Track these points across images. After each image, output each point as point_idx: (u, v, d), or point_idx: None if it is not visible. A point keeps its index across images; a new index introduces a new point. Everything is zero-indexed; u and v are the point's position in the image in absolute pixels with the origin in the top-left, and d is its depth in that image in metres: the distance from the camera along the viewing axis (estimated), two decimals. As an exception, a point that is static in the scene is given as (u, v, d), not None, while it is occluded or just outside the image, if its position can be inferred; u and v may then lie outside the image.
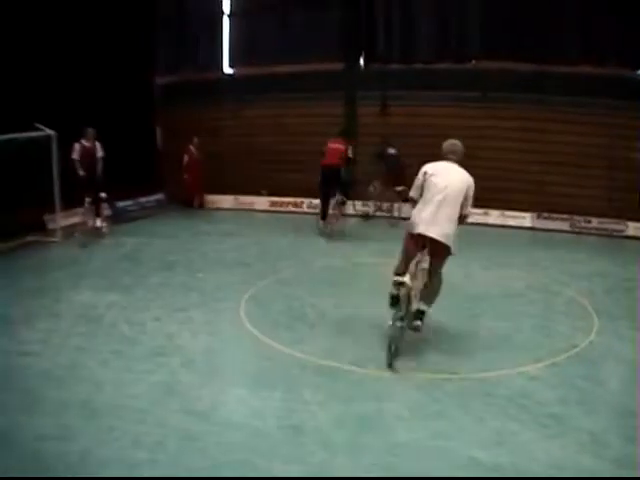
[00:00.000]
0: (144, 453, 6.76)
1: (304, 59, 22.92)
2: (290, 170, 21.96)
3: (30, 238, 16.89)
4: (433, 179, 9.45)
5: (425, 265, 9.26)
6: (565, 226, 20.62)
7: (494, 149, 20.37)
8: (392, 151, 20.92)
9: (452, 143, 9.90)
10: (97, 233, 17.39)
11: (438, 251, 9.24)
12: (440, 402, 8.11)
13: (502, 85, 20.99)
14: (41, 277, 13.73)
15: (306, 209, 23.26)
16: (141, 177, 21.85)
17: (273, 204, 23.75)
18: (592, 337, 10.55)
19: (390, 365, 8.93)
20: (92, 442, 6.98)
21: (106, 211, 18.89)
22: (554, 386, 8.65)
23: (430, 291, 9.55)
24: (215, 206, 23.74)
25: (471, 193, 9.55)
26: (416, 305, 9.42)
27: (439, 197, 9.29)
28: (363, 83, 23.11)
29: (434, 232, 9.13)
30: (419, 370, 8.99)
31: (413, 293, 9.20)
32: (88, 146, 17.13)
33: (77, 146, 17.04)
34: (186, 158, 23.37)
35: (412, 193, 9.71)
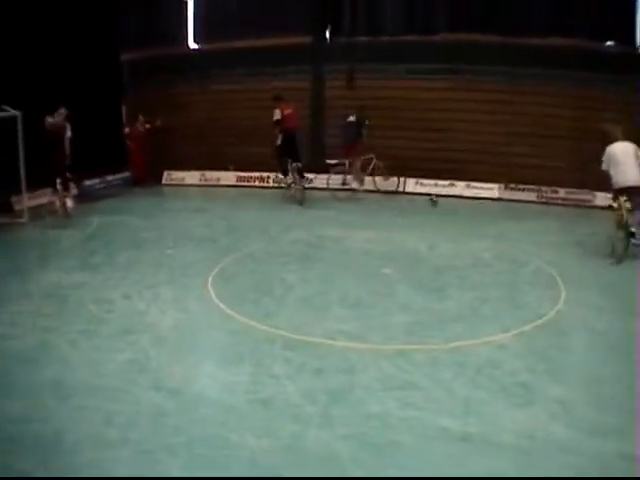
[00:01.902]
0: (117, 431, 6.75)
1: (270, 33, 22.67)
2: (256, 145, 21.88)
3: (-1, 220, 16.71)
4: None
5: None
6: (532, 197, 20.76)
7: (461, 121, 20.43)
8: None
9: None
10: (65, 213, 17.09)
11: None
12: (410, 373, 8.15)
13: (470, 58, 20.98)
14: (9, 259, 13.64)
15: (272, 184, 23.29)
16: (108, 155, 21.69)
17: (240, 179, 23.66)
18: (560, 306, 10.64)
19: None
20: (65, 423, 6.96)
21: (73, 190, 18.71)
22: (523, 355, 8.72)
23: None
24: (182, 182, 23.60)
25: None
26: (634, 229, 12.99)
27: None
28: (329, 56, 23.04)
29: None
30: (388, 342, 9.03)
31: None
32: (58, 125, 16.79)
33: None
34: (127, 130, 23.56)
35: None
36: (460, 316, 10.23)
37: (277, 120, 19.11)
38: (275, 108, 19.26)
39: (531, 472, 6.05)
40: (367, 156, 20.55)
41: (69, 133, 17.05)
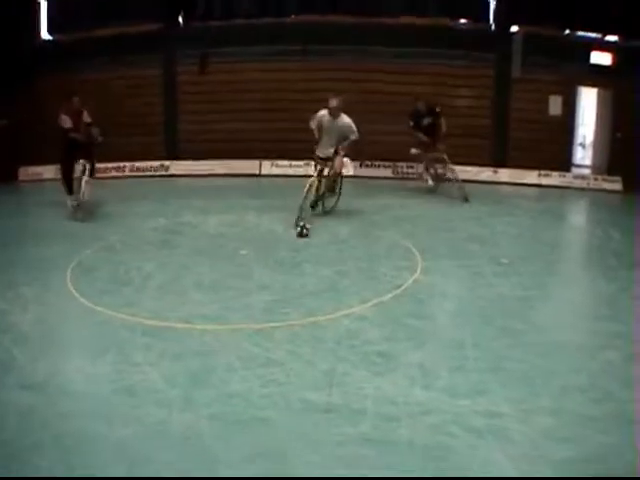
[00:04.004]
0: (-18, 434, 6.70)
1: (125, 21, 22.28)
2: (113, 135, 21.58)
3: None
4: None
5: None
6: (388, 173, 21.19)
7: (316, 101, 20.55)
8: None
9: None
10: None
11: None
12: (270, 350, 8.29)
13: (323, 38, 21.18)
14: None
15: (128, 172, 23.12)
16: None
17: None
18: (417, 276, 10.99)
19: None
20: None
21: None
22: (381, 325, 8.99)
23: None
24: (38, 177, 23.05)
25: None
26: None
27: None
28: (183, 42, 22.73)
29: None
30: (247, 321, 9.18)
31: None
32: None
33: None
34: None
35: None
36: (317, 291, 10.46)
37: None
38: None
39: (393, 436, 6.27)
40: None
41: None
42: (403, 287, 10.46)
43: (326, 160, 15.09)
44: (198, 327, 9.15)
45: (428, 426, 6.42)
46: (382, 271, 11.36)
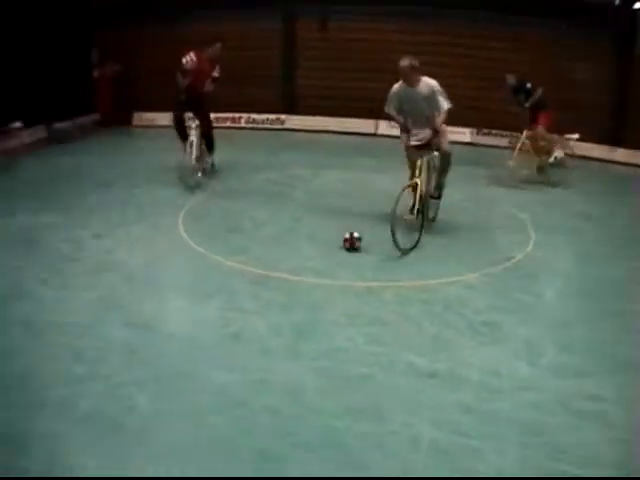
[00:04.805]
0: (85, 367, 6.78)
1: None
2: (227, 86, 21.65)
3: None
4: None
5: None
6: (504, 142, 20.75)
7: (432, 64, 20.19)
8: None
9: None
10: None
11: None
12: (378, 309, 8.26)
13: (439, 1, 20.77)
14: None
15: (244, 124, 23.25)
16: (77, 98, 21.40)
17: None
18: (528, 250, 10.74)
19: None
20: (34, 360, 6.98)
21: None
22: (490, 295, 8.84)
23: None
24: (151, 123, 23.35)
25: None
26: None
27: None
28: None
29: None
30: (355, 279, 9.10)
31: None
32: None
33: None
34: (96, 73, 23.27)
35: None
36: (430, 256, 10.30)
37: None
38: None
39: (495, 405, 6.18)
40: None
41: None
42: (514, 260, 10.23)
43: (425, 147, 11.31)
44: (307, 280, 9.15)
45: (529, 402, 6.29)
46: (494, 242, 11.15)
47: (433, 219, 11.82)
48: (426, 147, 11.27)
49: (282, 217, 12.16)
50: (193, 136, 14.53)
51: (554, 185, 15.34)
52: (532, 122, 16.11)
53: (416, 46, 20.12)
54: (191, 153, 14.39)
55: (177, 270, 9.98)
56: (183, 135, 14.81)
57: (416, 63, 10.90)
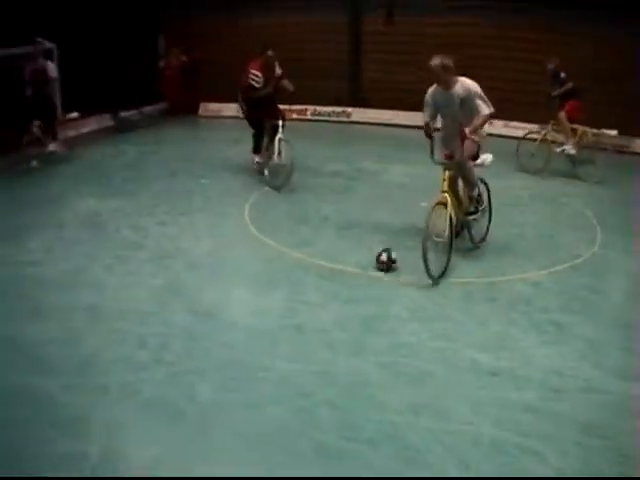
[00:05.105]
0: (149, 354, 6.87)
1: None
2: (293, 78, 21.65)
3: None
4: None
5: None
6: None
7: (499, 59, 19.92)
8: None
9: None
10: (52, 158, 15.72)
11: None
12: (443, 305, 8.22)
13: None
14: (44, 187, 13.66)
15: (310, 116, 23.22)
16: (143, 87, 21.73)
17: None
18: (595, 249, 10.53)
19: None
20: (98, 344, 7.09)
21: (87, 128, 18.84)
22: (556, 294, 8.69)
23: None
24: (216, 114, 23.51)
25: None
26: None
27: None
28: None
29: None
30: (420, 275, 8.88)
31: None
32: (37, 67, 15.33)
33: (26, 67, 15.37)
34: (162, 64, 23.61)
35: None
36: (496, 252, 10.16)
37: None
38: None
39: (558, 406, 6.09)
40: None
41: (53, 73, 15.80)
42: (581, 259, 10.04)
43: (450, 159, 9.61)
44: (372, 274, 9.10)
45: (592, 403, 6.20)
46: (561, 240, 10.93)
47: (481, 241, 10.41)
48: (451, 159, 9.67)
49: (348, 210, 12.11)
50: (280, 134, 13.77)
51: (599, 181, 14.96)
52: (559, 111, 15.71)
53: (486, 40, 20.02)
54: (276, 152, 13.66)
55: (241, 260, 9.98)
56: (259, 148, 14.44)
57: (449, 62, 9.54)
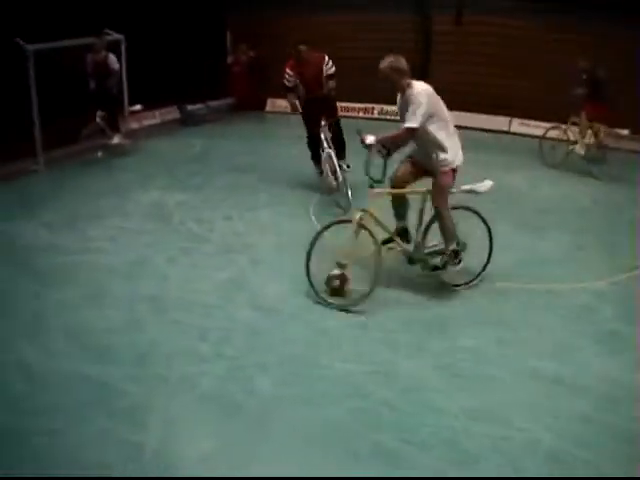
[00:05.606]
0: (211, 346, 6.97)
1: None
2: (359, 76, 21.57)
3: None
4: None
5: None
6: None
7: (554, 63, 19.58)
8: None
9: None
10: (117, 150, 15.91)
11: None
12: (504, 311, 8.17)
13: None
14: (111, 178, 13.97)
15: (376, 115, 23.23)
16: (211, 81, 22.00)
17: (342, 109, 23.38)
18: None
19: None
20: (160, 334, 7.21)
21: (136, 123, 18.88)
22: (615, 304, 8.53)
23: None
24: (282, 110, 23.37)
25: None
26: None
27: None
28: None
29: None
30: (483, 279, 8.93)
31: None
32: (98, 59, 15.27)
33: (88, 59, 15.31)
34: (230, 59, 23.83)
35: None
36: (555, 259, 10.04)
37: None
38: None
39: (613, 417, 6.03)
40: None
41: (115, 65, 15.68)
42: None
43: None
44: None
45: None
46: (621, 248, 10.64)
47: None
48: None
49: (413, 209, 11.97)
50: (327, 149, 12.53)
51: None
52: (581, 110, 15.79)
53: (557, 44, 19.68)
54: (332, 171, 12.36)
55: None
56: (317, 156, 13.10)
57: (400, 63, 8.47)
